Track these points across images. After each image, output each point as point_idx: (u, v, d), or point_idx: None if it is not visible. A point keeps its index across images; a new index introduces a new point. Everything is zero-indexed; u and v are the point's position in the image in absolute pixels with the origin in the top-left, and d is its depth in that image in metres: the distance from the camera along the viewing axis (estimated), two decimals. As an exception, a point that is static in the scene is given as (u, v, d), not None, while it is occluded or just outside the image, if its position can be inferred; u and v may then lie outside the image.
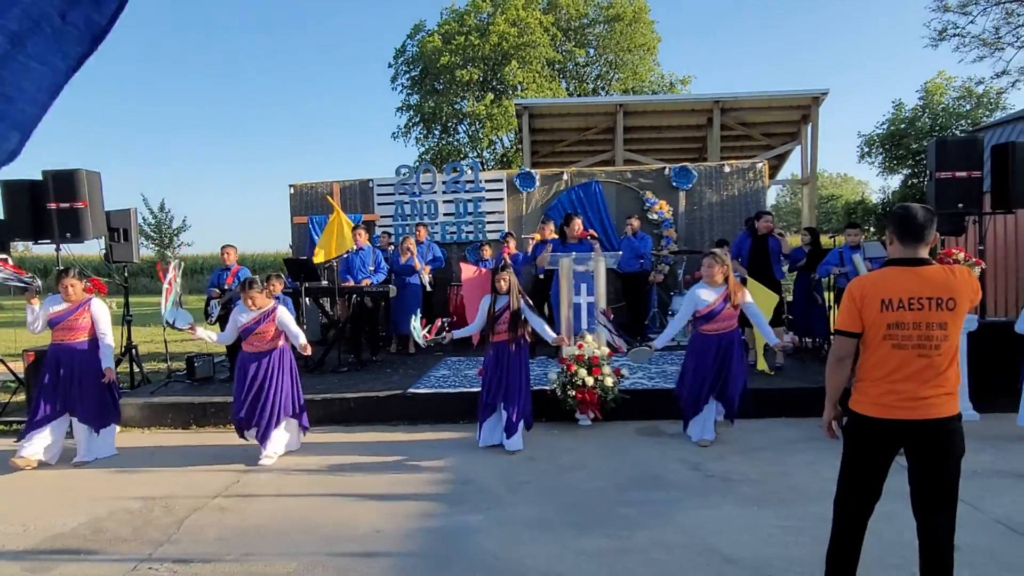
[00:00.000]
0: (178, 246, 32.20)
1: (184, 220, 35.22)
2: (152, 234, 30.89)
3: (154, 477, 5.57)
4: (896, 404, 2.88)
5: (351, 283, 9.19)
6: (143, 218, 30.07)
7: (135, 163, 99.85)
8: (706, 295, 5.88)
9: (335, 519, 4.56)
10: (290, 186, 11.90)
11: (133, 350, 8.23)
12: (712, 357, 5.87)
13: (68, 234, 7.60)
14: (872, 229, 23.31)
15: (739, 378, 5.94)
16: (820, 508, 4.44)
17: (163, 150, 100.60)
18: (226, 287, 8.81)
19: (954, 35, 23.73)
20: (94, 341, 6.04)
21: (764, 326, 5.97)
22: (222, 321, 8.31)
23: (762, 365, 7.79)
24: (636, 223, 10.14)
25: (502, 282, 5.90)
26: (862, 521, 3.05)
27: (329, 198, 10.91)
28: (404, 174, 11.56)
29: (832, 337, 3.03)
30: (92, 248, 8.38)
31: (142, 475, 5.63)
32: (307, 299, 8.85)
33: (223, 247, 9.07)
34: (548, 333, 6.08)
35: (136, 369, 8.27)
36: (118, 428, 6.45)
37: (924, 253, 2.95)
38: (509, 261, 8.06)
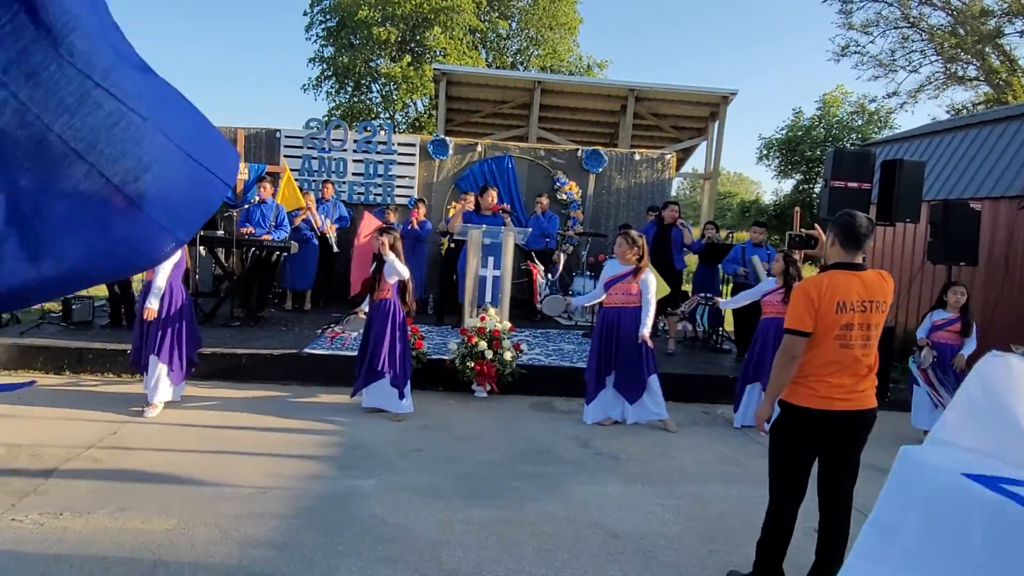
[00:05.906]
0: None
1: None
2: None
3: (21, 423, 5.21)
4: (840, 396, 3.13)
5: (249, 232, 8.80)
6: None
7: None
8: (617, 267, 5.95)
9: (219, 476, 4.42)
10: (190, 128, 11.24)
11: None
12: (615, 331, 5.89)
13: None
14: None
15: (645, 358, 5.90)
16: (698, 488, 4.70)
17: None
18: None
19: (854, 52, 25.06)
20: None
21: (648, 309, 5.88)
22: None
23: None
24: (545, 202, 10.33)
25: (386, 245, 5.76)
26: (798, 505, 3.26)
27: (286, 167, 10.42)
28: (314, 128, 11.16)
29: (785, 335, 3.19)
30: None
31: (6, 420, 5.25)
32: (201, 248, 8.46)
33: None
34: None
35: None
36: None
37: (860, 259, 3.20)
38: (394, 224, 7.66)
